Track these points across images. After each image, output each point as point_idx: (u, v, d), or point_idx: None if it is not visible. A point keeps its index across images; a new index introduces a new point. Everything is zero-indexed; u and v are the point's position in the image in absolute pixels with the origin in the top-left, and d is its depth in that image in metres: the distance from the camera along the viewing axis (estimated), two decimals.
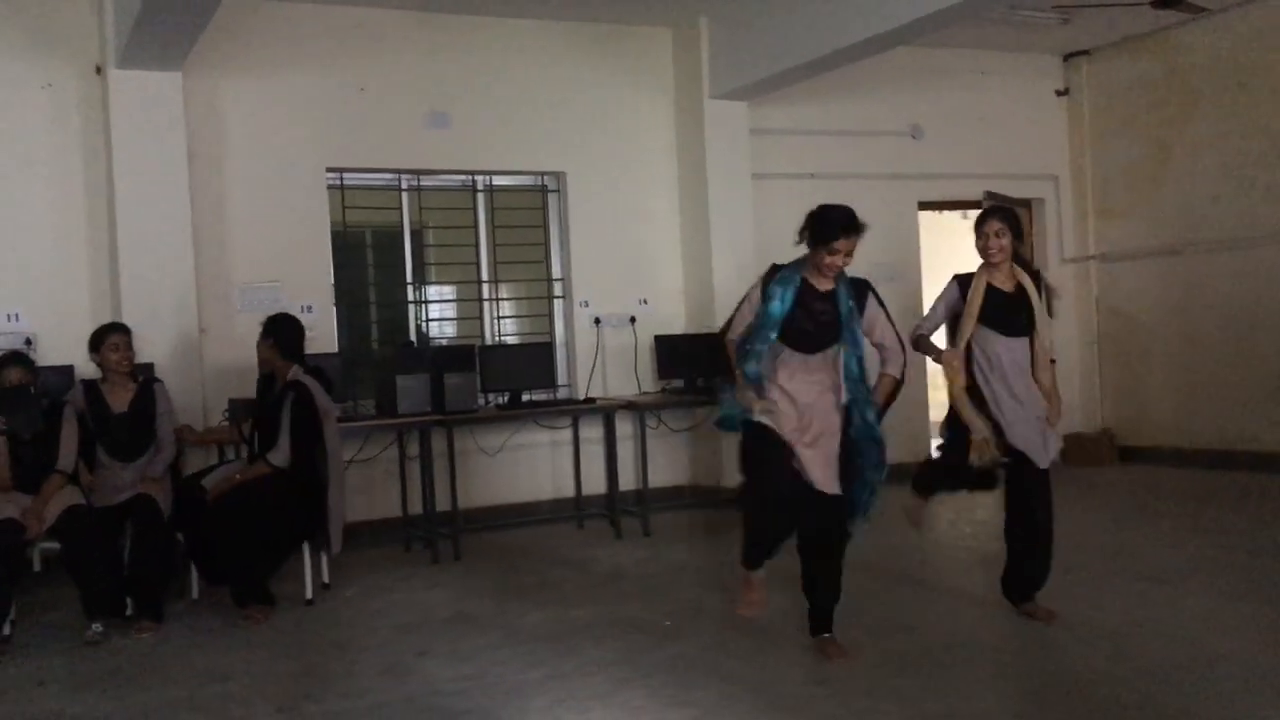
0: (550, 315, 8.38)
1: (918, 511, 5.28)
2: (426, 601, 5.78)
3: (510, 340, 8.27)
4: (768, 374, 4.46)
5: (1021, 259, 4.93)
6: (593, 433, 7.85)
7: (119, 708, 4.30)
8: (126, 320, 6.18)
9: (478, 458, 7.72)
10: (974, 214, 9.93)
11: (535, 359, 7.68)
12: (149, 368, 6.32)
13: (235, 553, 5.48)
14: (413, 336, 7.89)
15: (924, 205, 9.51)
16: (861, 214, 9.51)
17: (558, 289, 8.35)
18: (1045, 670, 4.25)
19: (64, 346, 6.55)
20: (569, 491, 7.99)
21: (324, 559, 6.00)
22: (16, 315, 6.70)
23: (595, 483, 7.87)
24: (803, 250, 4.53)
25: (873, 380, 4.57)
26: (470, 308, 8.22)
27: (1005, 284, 4.85)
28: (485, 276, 8.16)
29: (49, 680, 4.65)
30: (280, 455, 5.62)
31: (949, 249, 11.47)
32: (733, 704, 4.02)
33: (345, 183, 7.67)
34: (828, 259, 4.40)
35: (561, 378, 8.20)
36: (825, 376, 4.47)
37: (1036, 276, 4.94)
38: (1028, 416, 4.81)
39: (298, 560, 5.75)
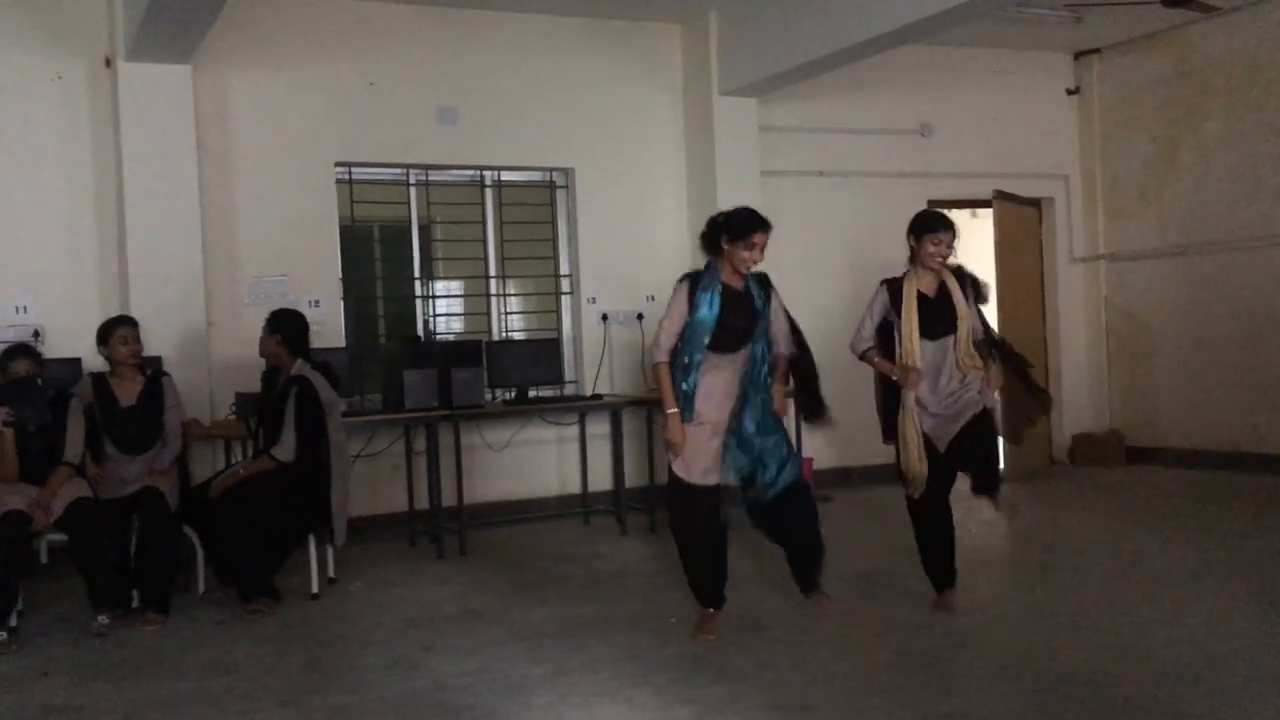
0: (558, 311, 8.37)
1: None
2: (432, 597, 5.78)
3: (517, 336, 8.27)
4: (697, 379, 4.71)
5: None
6: (599, 429, 7.84)
7: (124, 699, 4.30)
8: (134, 313, 6.19)
9: (484, 453, 7.72)
10: (984, 212, 10.03)
11: (542, 355, 7.67)
12: (157, 361, 6.33)
13: (241, 547, 5.49)
14: (420, 331, 7.89)
15: (933, 203, 9.45)
16: (870, 212, 9.58)
17: (565, 285, 8.34)
18: (1052, 671, 4.24)
19: (72, 339, 6.56)
20: (575, 488, 7.99)
21: (330, 553, 6.01)
22: (25, 308, 6.72)
23: (601, 479, 7.87)
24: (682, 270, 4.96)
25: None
26: (478, 303, 8.22)
27: (930, 288, 5.03)
28: (493, 272, 8.15)
29: (55, 671, 4.66)
30: (285, 450, 5.63)
31: (958, 247, 11.49)
32: (737, 702, 4.01)
33: (354, 177, 7.67)
34: (745, 254, 4.66)
35: (568, 374, 8.19)
36: (737, 373, 4.75)
37: (959, 272, 5.12)
38: (946, 412, 4.99)
39: (303, 555, 5.76)
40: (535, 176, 8.33)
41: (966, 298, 5.04)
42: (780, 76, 7.84)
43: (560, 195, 8.34)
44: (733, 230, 4.66)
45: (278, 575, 5.69)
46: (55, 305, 6.76)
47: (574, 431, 7.96)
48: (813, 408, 5.16)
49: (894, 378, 5.02)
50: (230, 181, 7.20)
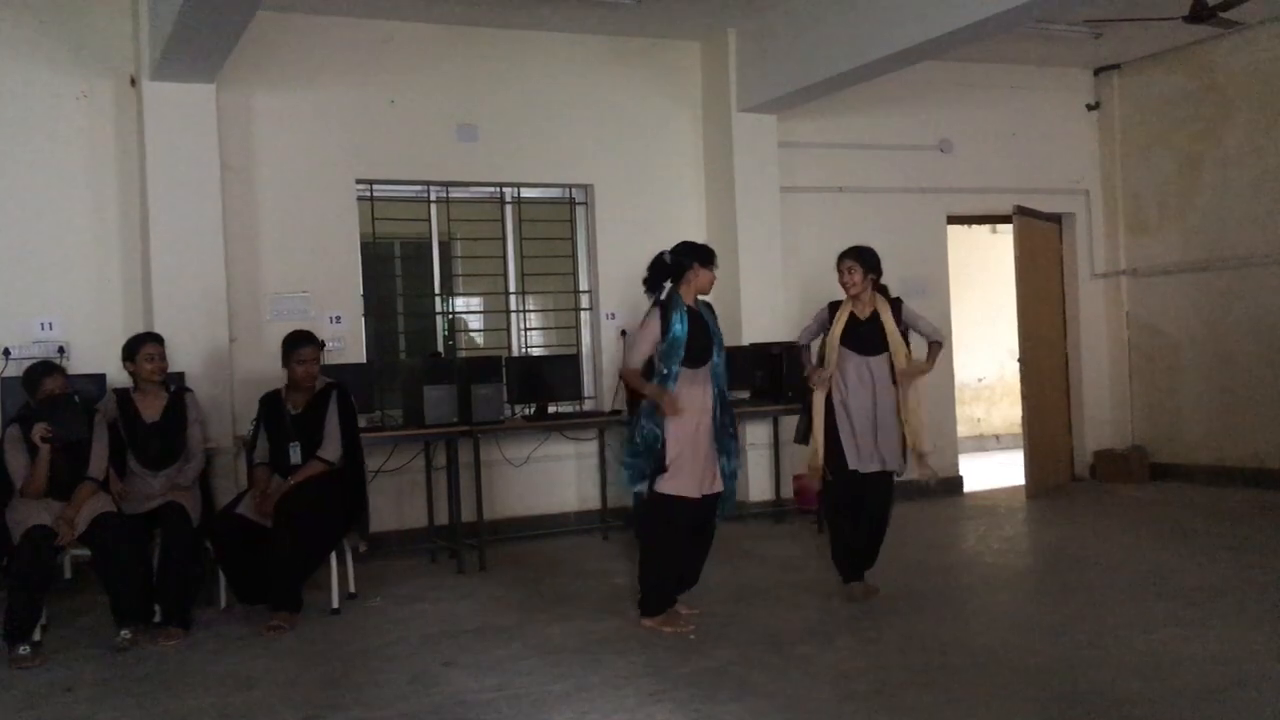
0: (577, 327, 8.39)
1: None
2: (452, 612, 5.79)
3: (537, 352, 8.29)
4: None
5: (881, 289, 5.71)
6: (618, 444, 7.85)
7: (146, 714, 4.32)
8: (158, 329, 6.24)
9: (504, 468, 7.73)
10: (1004, 228, 10.02)
11: (562, 370, 7.69)
12: (179, 376, 6.37)
13: (293, 555, 5.52)
14: (440, 347, 7.92)
15: (953, 219, 9.47)
16: (890, 228, 9.65)
17: (584, 301, 8.36)
18: (1075, 689, 4.21)
19: (96, 355, 6.63)
20: (594, 503, 7.99)
21: (350, 568, 6.02)
22: (50, 324, 6.77)
23: (620, 495, 7.86)
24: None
25: None
26: (498, 319, 8.25)
27: (863, 312, 5.67)
28: (513, 288, 8.18)
29: (78, 685, 4.69)
30: (333, 451, 5.80)
31: (978, 263, 11.49)
32: (759, 719, 4.00)
33: (374, 194, 7.72)
34: (711, 277, 5.38)
35: (588, 389, 8.20)
36: (708, 386, 5.32)
37: (897, 304, 5.72)
38: (867, 428, 5.57)
39: (325, 569, 5.77)
40: (555, 193, 8.36)
41: (898, 319, 5.65)
42: (799, 93, 7.86)
43: (580, 211, 8.37)
44: (701, 257, 5.37)
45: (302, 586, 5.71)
46: (80, 321, 6.82)
47: (593, 447, 7.96)
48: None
49: (804, 374, 5.75)
50: (253, 199, 7.26)
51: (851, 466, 5.58)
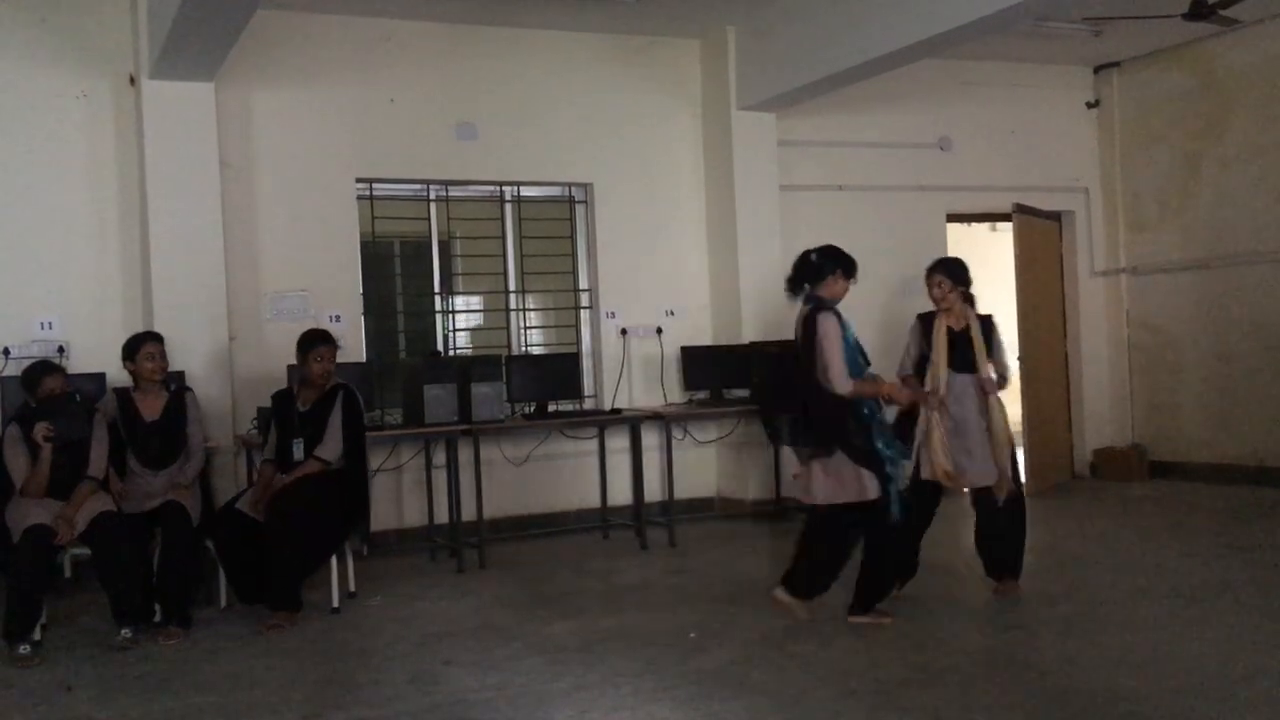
0: (577, 326, 8.38)
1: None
2: (452, 611, 5.79)
3: (537, 350, 8.29)
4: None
5: (969, 298, 5.62)
6: (619, 443, 7.84)
7: (147, 713, 4.32)
8: (157, 328, 6.25)
9: (504, 467, 7.73)
10: (1004, 226, 10.00)
11: (562, 369, 7.69)
12: (180, 376, 6.37)
13: (292, 553, 5.51)
14: (439, 346, 7.92)
15: (952, 217, 9.46)
16: (889, 225, 9.62)
17: (585, 299, 8.36)
18: (1075, 687, 4.21)
19: (96, 354, 6.62)
20: (594, 502, 7.99)
21: (350, 567, 6.02)
22: (50, 323, 6.78)
23: (621, 494, 7.87)
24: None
25: None
26: (498, 318, 8.25)
27: (957, 325, 5.55)
28: (513, 287, 8.18)
29: (78, 685, 4.68)
30: (332, 451, 5.77)
31: (977, 261, 11.43)
32: (759, 717, 4.00)
33: (374, 193, 7.72)
34: (846, 288, 5.18)
35: (588, 388, 8.20)
36: None
37: (989, 322, 5.64)
38: (962, 445, 5.42)
39: (325, 569, 5.77)
40: (555, 191, 8.36)
41: (989, 339, 5.56)
42: (798, 91, 7.86)
43: (580, 210, 8.37)
44: (849, 267, 5.17)
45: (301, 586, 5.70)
46: (79, 321, 6.82)
47: (593, 446, 7.96)
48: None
49: (919, 398, 5.46)
50: (252, 197, 7.25)
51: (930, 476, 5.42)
